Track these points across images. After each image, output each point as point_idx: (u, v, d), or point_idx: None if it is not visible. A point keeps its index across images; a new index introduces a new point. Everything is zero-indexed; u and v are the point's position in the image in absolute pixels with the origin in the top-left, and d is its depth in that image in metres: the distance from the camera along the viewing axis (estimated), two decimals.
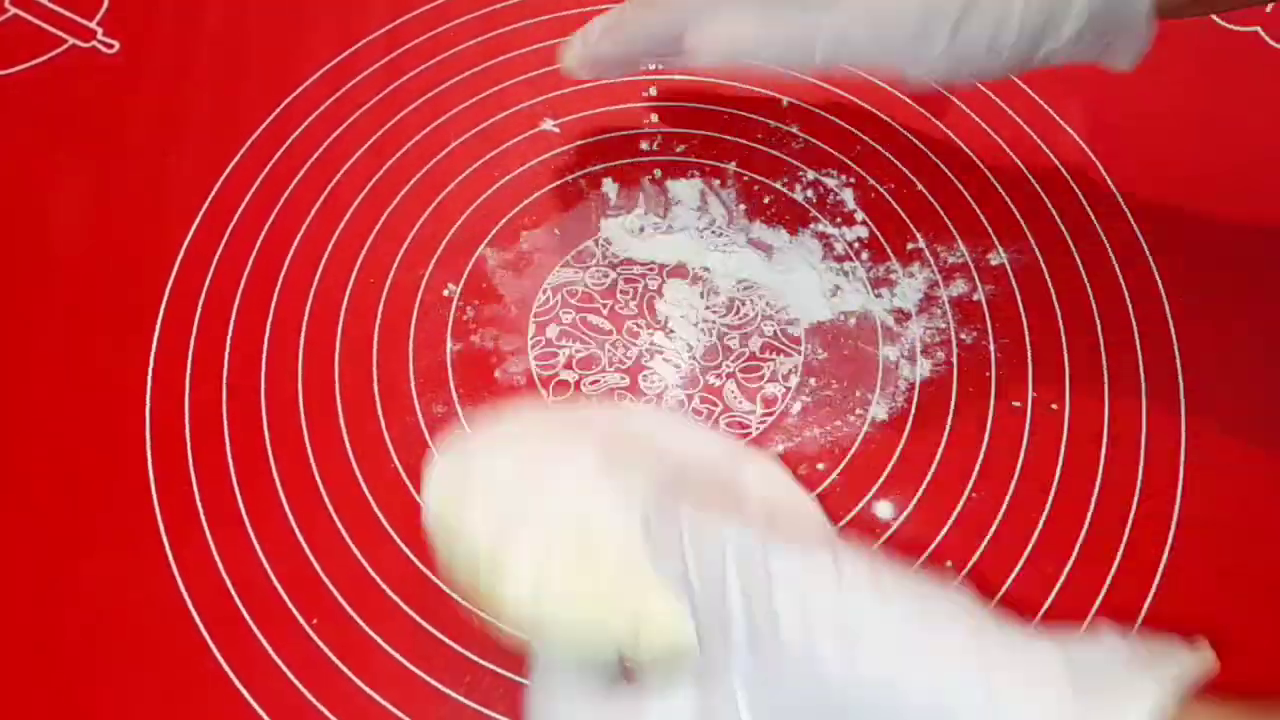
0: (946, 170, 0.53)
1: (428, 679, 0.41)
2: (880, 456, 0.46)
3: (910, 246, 0.51)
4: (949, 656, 0.30)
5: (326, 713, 0.40)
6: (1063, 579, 0.43)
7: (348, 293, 0.49)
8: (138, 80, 0.56)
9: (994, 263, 0.50)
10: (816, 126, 0.54)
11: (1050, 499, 0.45)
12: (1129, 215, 0.51)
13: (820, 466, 0.45)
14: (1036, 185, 0.52)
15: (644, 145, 0.54)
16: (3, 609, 0.42)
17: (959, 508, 0.44)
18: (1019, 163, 0.53)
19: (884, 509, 0.44)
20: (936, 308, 0.49)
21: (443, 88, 0.55)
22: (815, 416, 0.47)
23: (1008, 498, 0.45)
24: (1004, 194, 0.52)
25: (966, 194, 0.52)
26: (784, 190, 0.52)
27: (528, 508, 0.34)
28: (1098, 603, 0.42)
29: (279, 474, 0.45)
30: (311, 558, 0.43)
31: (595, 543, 0.33)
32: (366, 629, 0.42)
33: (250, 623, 0.42)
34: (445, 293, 0.50)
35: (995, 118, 0.54)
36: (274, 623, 0.42)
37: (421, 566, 0.43)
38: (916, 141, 0.54)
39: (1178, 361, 0.48)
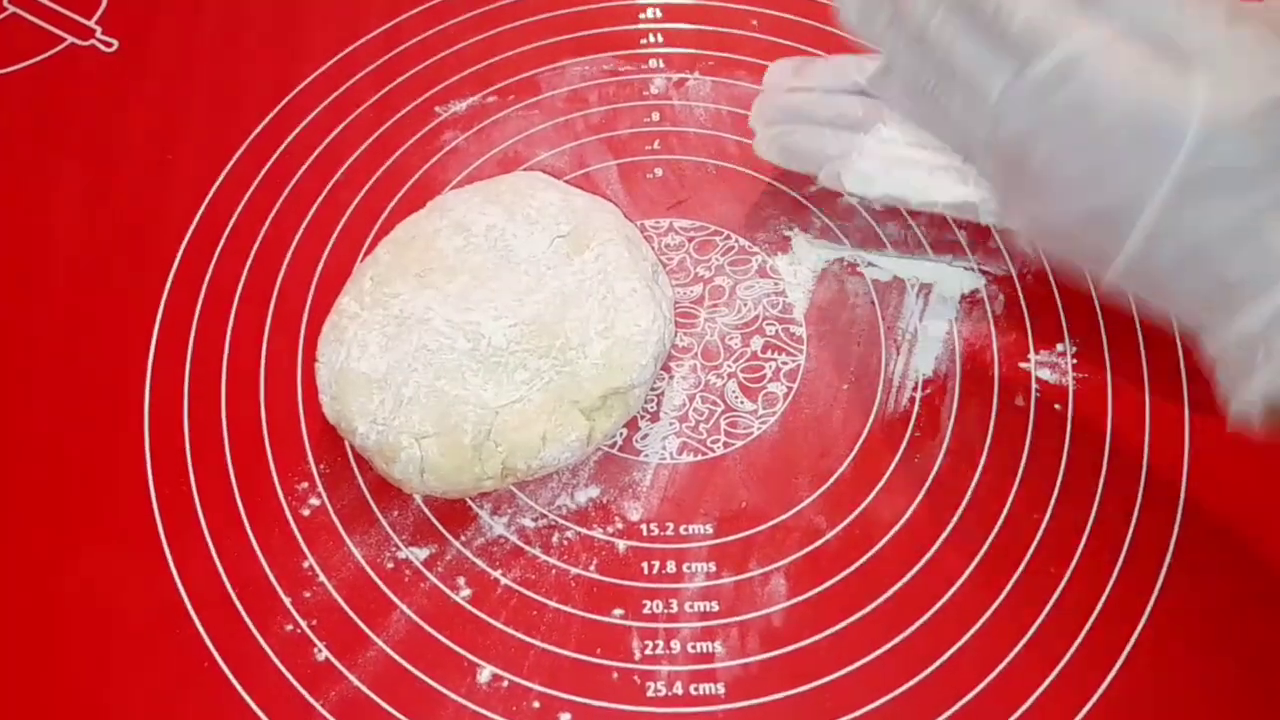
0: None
1: (427, 679, 0.41)
2: (884, 455, 0.45)
3: (917, 249, 0.51)
4: None
5: (326, 714, 0.40)
6: (1067, 577, 0.42)
7: None
8: (136, 79, 0.56)
9: (999, 266, 0.50)
10: None
11: (1053, 499, 0.44)
12: None
13: (825, 468, 0.45)
14: None
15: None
16: (3, 610, 0.42)
17: (962, 507, 0.44)
18: None
19: (887, 509, 0.44)
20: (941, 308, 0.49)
21: (441, 86, 0.55)
22: (817, 416, 0.46)
23: (1010, 497, 0.44)
24: None
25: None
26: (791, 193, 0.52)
27: None
28: (1102, 600, 0.42)
29: (278, 473, 0.45)
30: (311, 558, 0.43)
31: None
32: (366, 629, 0.42)
33: (249, 623, 0.42)
34: None
35: None
36: (273, 623, 0.42)
37: (421, 566, 0.43)
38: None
39: (1181, 359, 0.47)
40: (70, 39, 0.57)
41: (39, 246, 0.51)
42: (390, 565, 0.43)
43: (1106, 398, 0.47)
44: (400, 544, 0.43)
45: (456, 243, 0.45)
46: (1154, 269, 0.34)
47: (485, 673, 0.41)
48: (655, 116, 0.55)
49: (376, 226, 0.51)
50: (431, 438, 0.41)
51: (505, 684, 0.41)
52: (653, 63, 0.56)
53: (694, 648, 0.41)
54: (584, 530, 0.44)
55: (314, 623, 0.42)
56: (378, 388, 0.42)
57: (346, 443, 0.45)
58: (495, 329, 0.42)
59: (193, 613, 0.42)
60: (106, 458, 0.45)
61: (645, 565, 0.43)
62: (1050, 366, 0.47)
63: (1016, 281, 0.49)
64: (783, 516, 0.44)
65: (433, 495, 0.44)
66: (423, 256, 0.44)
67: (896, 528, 0.44)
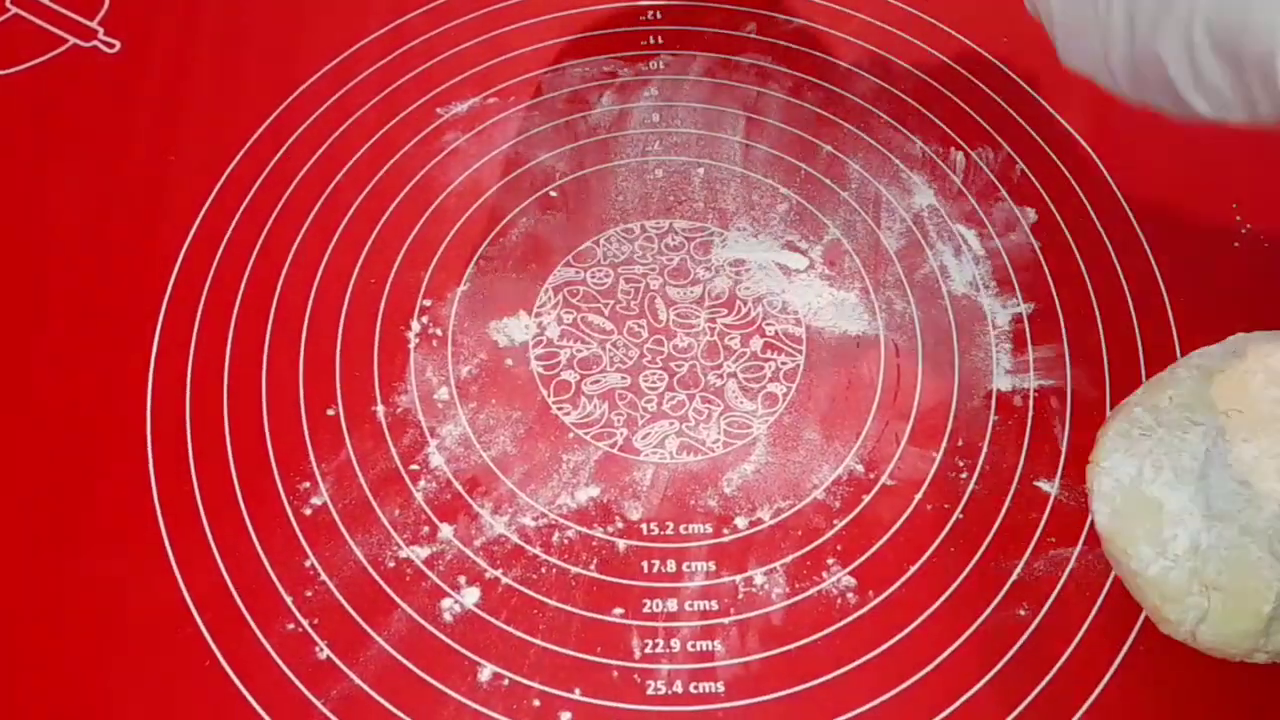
0: (949, 171, 0.53)
1: (428, 678, 0.41)
2: (883, 455, 0.46)
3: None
4: None
5: (327, 712, 0.40)
6: (1069, 569, 0.43)
7: (349, 292, 0.49)
8: (138, 80, 0.56)
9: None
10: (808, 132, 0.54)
11: (1051, 498, 0.44)
12: (1130, 216, 0.51)
13: (829, 463, 0.45)
14: (1038, 186, 0.52)
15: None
16: (3, 607, 0.42)
17: (962, 505, 0.44)
18: (1021, 164, 0.53)
19: (886, 508, 0.44)
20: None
21: (443, 88, 0.55)
22: (817, 417, 0.47)
23: (1010, 495, 0.45)
24: (1006, 195, 0.52)
25: (969, 195, 0.52)
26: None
27: None
28: (1104, 592, 0.42)
29: (279, 473, 0.45)
30: (312, 557, 0.43)
31: None
32: (367, 629, 0.42)
33: (251, 621, 0.42)
34: (447, 294, 0.50)
35: (996, 118, 0.54)
36: (274, 622, 0.42)
37: (421, 565, 0.43)
38: (919, 143, 0.54)
39: (1178, 357, 0.47)
40: (73, 40, 0.57)
41: (41, 247, 0.51)
42: (391, 564, 0.43)
43: (1105, 397, 0.47)
44: (401, 543, 0.44)
45: (1272, 393, 0.41)
46: None
47: (486, 671, 0.41)
48: (655, 118, 0.55)
49: (378, 228, 0.51)
50: (1224, 592, 0.39)
51: (506, 683, 0.41)
52: (653, 64, 0.56)
53: (694, 646, 0.42)
54: (584, 529, 0.44)
55: (315, 621, 0.42)
56: (1171, 521, 0.40)
57: (348, 442, 0.45)
58: None
59: (194, 611, 0.42)
60: (108, 457, 0.45)
61: (645, 564, 0.43)
62: (1047, 370, 0.48)
63: (1016, 282, 0.50)
64: (782, 516, 0.44)
65: (1197, 645, 0.40)
66: (1231, 394, 0.42)
67: (896, 526, 0.44)
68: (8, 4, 0.58)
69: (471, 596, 0.42)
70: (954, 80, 0.55)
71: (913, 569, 0.43)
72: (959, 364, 0.48)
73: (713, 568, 0.43)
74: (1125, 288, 0.49)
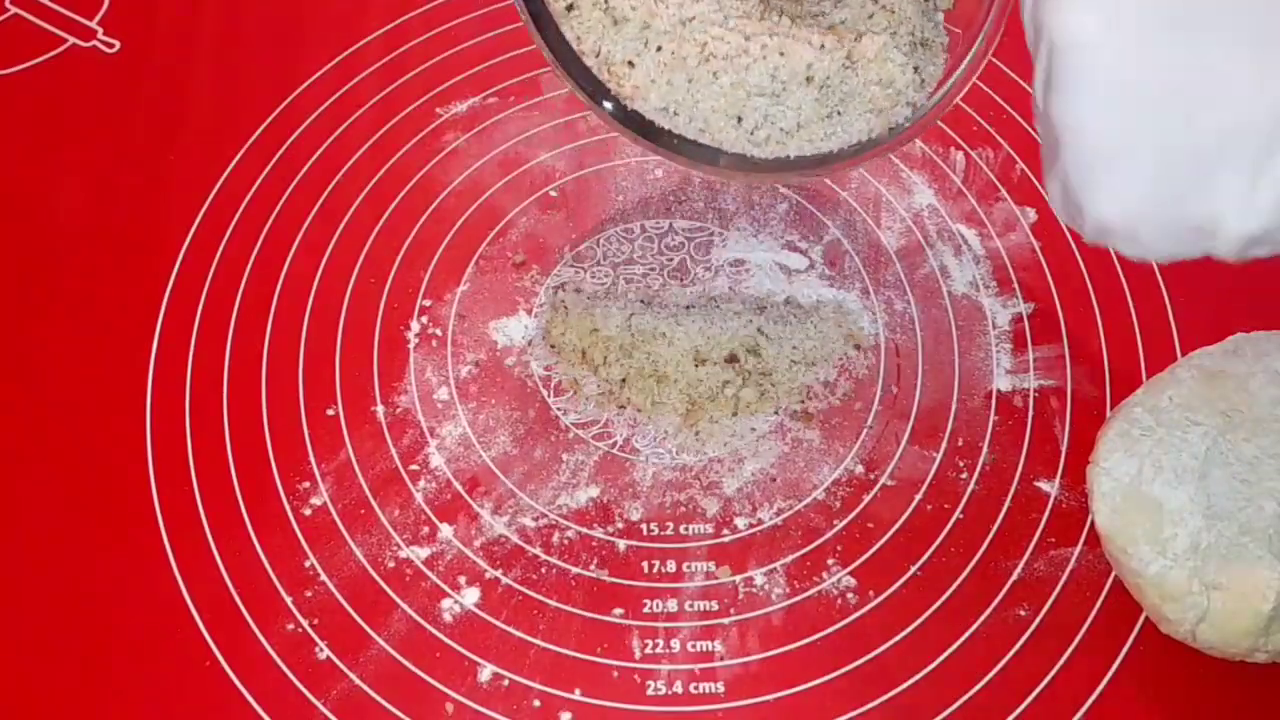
0: (949, 171, 0.53)
1: (428, 679, 0.41)
2: (883, 455, 0.46)
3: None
4: None
5: (327, 712, 0.40)
6: (1069, 569, 0.43)
7: (349, 292, 0.49)
8: (138, 80, 0.56)
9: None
10: None
11: (1052, 498, 0.45)
12: None
13: (829, 463, 0.45)
14: (1038, 186, 0.52)
15: None
16: (3, 609, 0.42)
17: (961, 506, 0.44)
18: (1021, 164, 0.53)
19: (887, 509, 0.44)
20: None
21: (442, 87, 0.55)
22: (819, 415, 0.47)
23: (1009, 495, 0.45)
24: (1006, 195, 0.52)
25: (969, 195, 0.52)
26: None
27: None
28: (1104, 592, 0.42)
29: (279, 473, 0.45)
30: (312, 557, 0.43)
31: None
32: (367, 629, 0.42)
33: (251, 622, 0.42)
34: (447, 294, 0.50)
35: (996, 118, 0.54)
36: (274, 622, 0.42)
37: (421, 565, 0.43)
38: (919, 143, 0.54)
39: (1178, 357, 0.47)
40: (72, 40, 0.57)
41: (41, 247, 0.51)
42: (391, 564, 0.43)
43: (1105, 394, 0.47)
44: (401, 543, 0.44)
45: (1272, 393, 0.42)
46: None
47: (486, 671, 0.41)
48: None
49: (378, 227, 0.51)
50: (1223, 591, 0.39)
51: (506, 683, 0.41)
52: None
53: (694, 647, 0.42)
54: (584, 530, 0.44)
55: (315, 622, 0.42)
56: (1170, 520, 0.40)
57: (347, 442, 0.45)
58: None
59: (194, 612, 0.42)
60: (108, 457, 0.45)
61: (645, 565, 0.43)
62: (1047, 370, 0.48)
63: (1016, 281, 0.50)
64: (782, 516, 0.44)
65: (1197, 644, 0.40)
66: (1231, 396, 0.42)
67: (896, 526, 0.44)
68: (7, 4, 0.58)
69: (471, 596, 0.42)
70: None
71: (913, 569, 0.43)
72: (959, 364, 0.48)
73: (713, 568, 0.43)
74: (1125, 288, 0.49)
